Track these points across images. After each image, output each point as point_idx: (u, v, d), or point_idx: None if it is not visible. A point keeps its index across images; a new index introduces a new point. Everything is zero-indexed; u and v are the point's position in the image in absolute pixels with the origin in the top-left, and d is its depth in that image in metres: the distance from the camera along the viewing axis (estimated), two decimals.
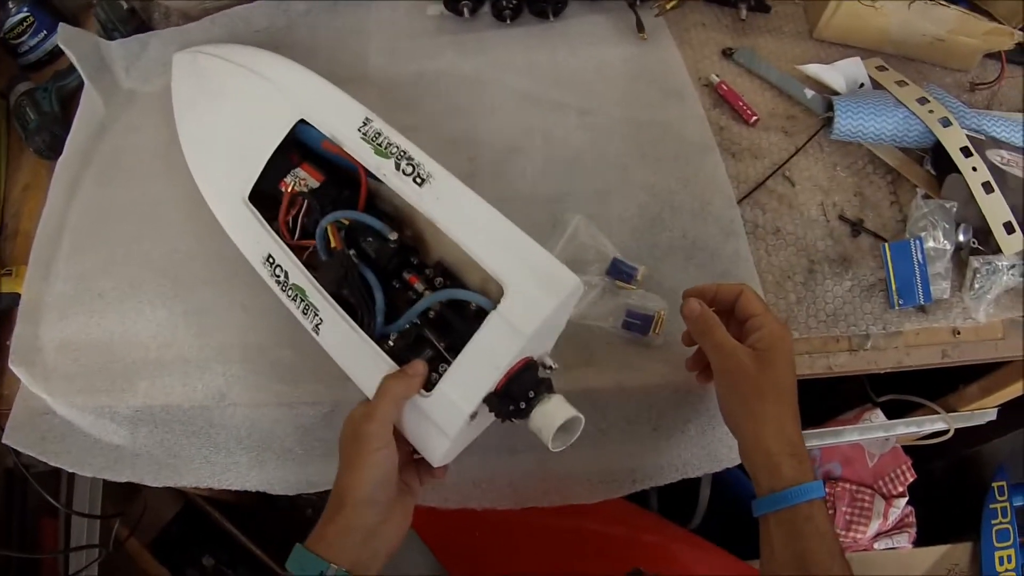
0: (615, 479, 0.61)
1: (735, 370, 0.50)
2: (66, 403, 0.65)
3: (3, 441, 0.65)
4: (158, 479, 0.63)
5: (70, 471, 0.65)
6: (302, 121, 0.60)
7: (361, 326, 0.52)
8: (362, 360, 0.51)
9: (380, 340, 0.52)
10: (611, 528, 0.73)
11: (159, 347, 0.64)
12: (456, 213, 0.51)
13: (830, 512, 0.84)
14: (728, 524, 0.80)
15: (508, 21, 0.74)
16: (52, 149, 0.77)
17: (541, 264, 0.48)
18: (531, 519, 0.72)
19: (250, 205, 0.60)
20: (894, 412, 0.84)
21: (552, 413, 0.47)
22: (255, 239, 0.59)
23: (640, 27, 0.73)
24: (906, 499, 0.83)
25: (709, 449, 0.62)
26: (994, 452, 0.91)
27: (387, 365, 0.50)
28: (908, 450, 0.88)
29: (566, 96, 0.69)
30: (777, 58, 0.74)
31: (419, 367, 0.49)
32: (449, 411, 0.48)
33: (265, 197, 0.61)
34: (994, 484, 0.86)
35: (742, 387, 0.50)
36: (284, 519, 0.98)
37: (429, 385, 0.49)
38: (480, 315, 0.49)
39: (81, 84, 0.77)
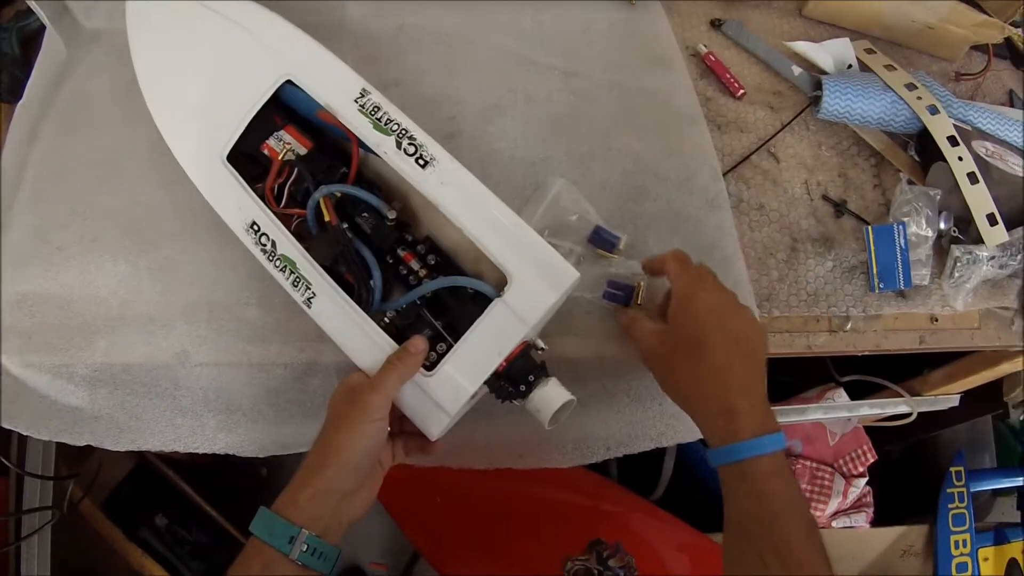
0: (589, 446, 0.59)
1: (647, 349, 0.52)
2: (21, 362, 0.60)
3: None
4: (119, 443, 0.59)
5: (25, 434, 0.61)
6: (288, 82, 0.57)
7: (358, 302, 0.51)
8: (357, 336, 0.51)
9: (375, 316, 0.52)
10: (571, 496, 0.73)
11: (121, 304, 0.60)
12: (461, 199, 0.51)
13: None
14: (690, 497, 0.80)
15: None
16: (12, 92, 0.72)
17: (544, 256, 0.50)
18: (492, 485, 0.71)
19: (229, 166, 0.57)
20: (855, 392, 0.84)
21: (550, 396, 0.49)
22: (237, 204, 0.56)
23: None
24: (866, 479, 0.83)
25: (684, 419, 0.60)
26: (953, 437, 0.93)
27: (384, 342, 0.50)
28: (868, 431, 0.88)
29: (551, 57, 0.66)
30: (765, 33, 0.72)
31: (421, 344, 0.50)
32: (452, 390, 0.49)
33: (242, 158, 0.58)
34: (952, 469, 0.87)
35: (659, 363, 0.51)
36: (238, 477, 0.96)
37: (428, 364, 0.50)
38: (476, 298, 0.51)
39: (43, 25, 0.71)
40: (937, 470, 0.88)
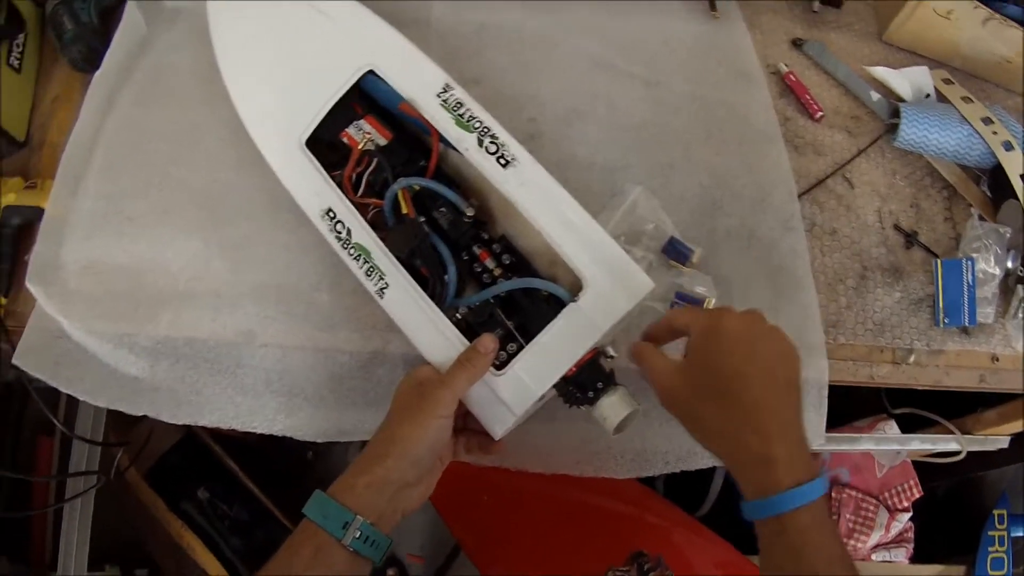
0: (648, 459, 0.59)
1: (666, 389, 0.46)
2: (83, 328, 0.60)
3: (14, 362, 0.61)
4: (177, 416, 0.59)
5: (83, 400, 0.61)
6: (370, 72, 0.57)
7: (431, 296, 0.51)
8: (429, 329, 0.51)
9: (447, 311, 0.51)
10: (617, 505, 0.72)
11: (189, 279, 0.60)
12: (541, 202, 0.51)
13: (834, 517, 0.83)
14: (735, 516, 0.79)
15: None
16: (87, 61, 0.72)
17: (620, 264, 0.49)
18: (539, 488, 0.70)
19: (308, 152, 0.57)
20: (908, 426, 0.83)
21: (617, 405, 0.49)
22: (314, 190, 0.56)
23: (712, 5, 0.69)
24: (909, 514, 0.82)
25: None
26: (999, 479, 0.91)
27: (455, 337, 0.50)
28: (916, 465, 0.86)
29: (633, 65, 0.66)
30: (845, 55, 0.72)
31: (491, 344, 0.49)
32: (520, 392, 0.49)
33: (321, 144, 0.58)
34: (995, 512, 0.86)
35: (680, 405, 0.45)
36: (283, 458, 0.95)
37: (497, 363, 0.50)
38: (550, 301, 0.51)
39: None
40: (980, 511, 0.87)
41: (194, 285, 0.60)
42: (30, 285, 0.61)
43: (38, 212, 0.65)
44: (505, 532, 0.70)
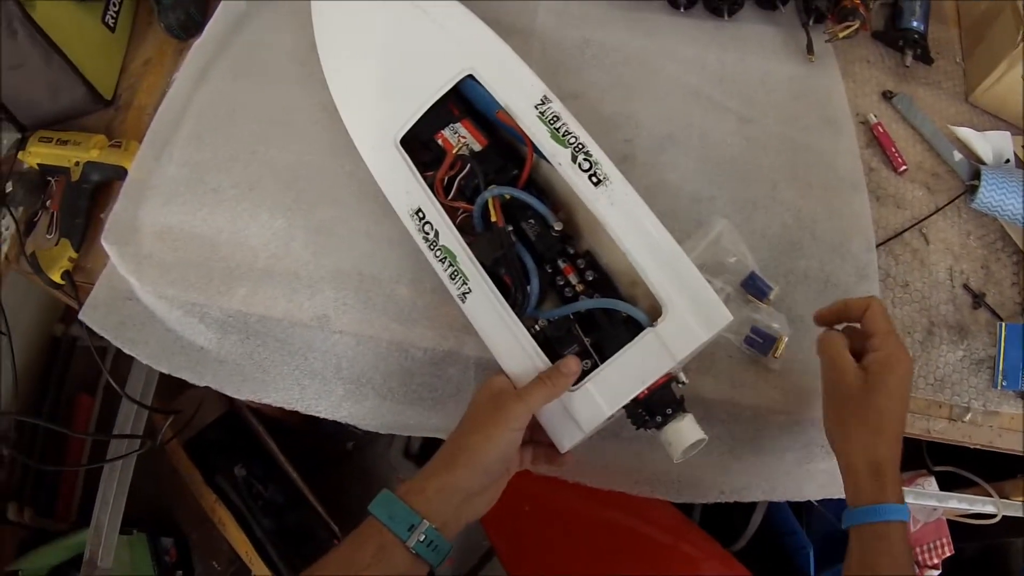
0: (705, 487, 0.59)
1: (842, 389, 0.50)
2: (154, 292, 0.60)
3: (80, 317, 0.61)
4: (240, 391, 0.59)
5: (145, 363, 0.61)
6: (470, 76, 0.57)
7: (512, 306, 0.52)
8: (507, 339, 0.51)
9: (526, 321, 0.52)
10: (654, 531, 0.72)
11: (269, 256, 0.60)
12: (629, 223, 0.51)
13: None
14: (769, 555, 0.79)
15: (682, 9, 0.71)
16: (183, 28, 0.72)
17: (701, 293, 0.49)
18: (581, 505, 0.70)
19: (401, 149, 0.57)
20: (945, 483, 0.82)
21: (684, 432, 0.49)
22: (405, 188, 0.56)
23: (810, 48, 0.69)
24: (939, 572, 0.81)
25: (799, 481, 0.60)
26: None
27: (532, 349, 0.51)
28: (948, 523, 0.86)
29: (729, 100, 0.66)
30: (930, 112, 0.72)
31: (575, 367, 0.50)
32: (591, 409, 0.49)
33: (415, 142, 0.59)
34: None
35: (844, 407, 0.50)
36: (324, 445, 0.95)
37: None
38: (629, 322, 0.51)
39: None
40: (1005, 575, 0.86)
41: (273, 263, 0.60)
42: (105, 243, 0.61)
43: (120, 172, 0.65)
44: (541, 544, 0.70)
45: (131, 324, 0.62)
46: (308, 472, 0.88)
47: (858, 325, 0.53)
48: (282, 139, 0.64)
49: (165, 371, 0.61)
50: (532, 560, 0.71)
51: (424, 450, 0.90)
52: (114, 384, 0.65)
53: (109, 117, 0.71)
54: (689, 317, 0.49)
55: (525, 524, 0.71)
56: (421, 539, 0.44)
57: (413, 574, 0.45)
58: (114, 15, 0.73)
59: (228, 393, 0.60)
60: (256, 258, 0.60)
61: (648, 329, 0.50)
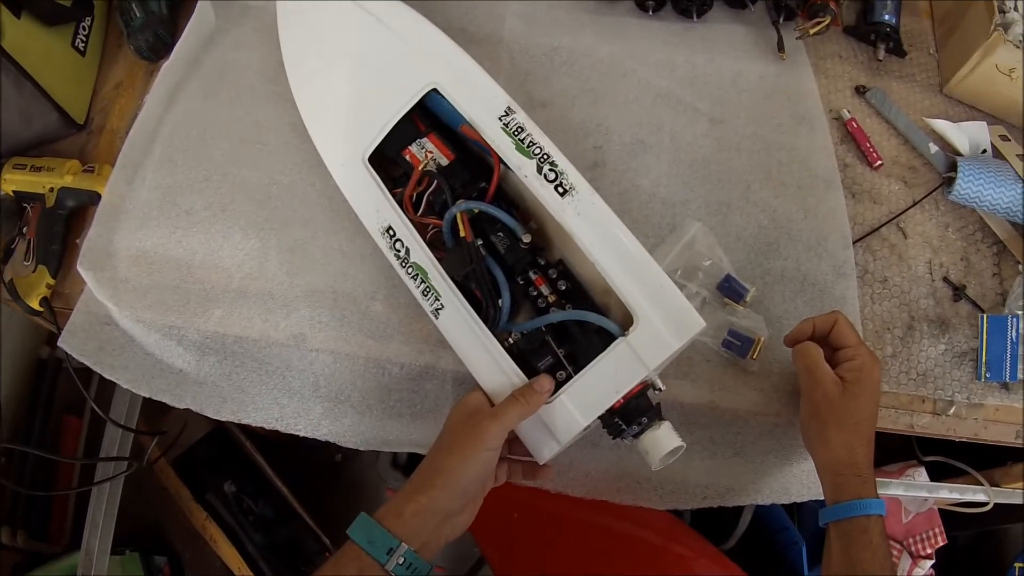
0: (688, 492, 0.59)
1: (820, 398, 0.52)
2: (132, 316, 0.60)
3: (59, 344, 0.61)
4: (220, 412, 0.59)
5: (125, 387, 0.61)
6: (434, 90, 0.56)
7: (484, 320, 0.51)
8: (481, 354, 0.51)
9: (500, 334, 0.52)
10: (644, 533, 0.71)
11: (244, 277, 0.59)
12: (596, 232, 0.51)
13: None
14: (756, 553, 0.78)
15: (650, 12, 0.70)
16: (153, 50, 0.72)
17: (673, 301, 0.49)
18: (570, 511, 0.70)
19: (369, 167, 0.57)
20: (936, 473, 0.82)
21: (661, 440, 0.49)
22: (375, 206, 0.56)
23: (781, 46, 0.68)
24: (932, 562, 0.81)
25: (783, 481, 0.60)
26: (1021, 532, 0.89)
27: (506, 362, 0.50)
28: (941, 513, 0.85)
29: (700, 101, 0.65)
30: (905, 105, 0.71)
31: (547, 385, 0.50)
32: (566, 421, 0.49)
33: (382, 159, 0.58)
34: (1016, 564, 0.84)
35: (823, 414, 0.52)
36: (312, 458, 0.94)
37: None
38: (602, 332, 0.50)
39: None
40: (1001, 562, 0.86)
41: (248, 283, 0.59)
42: (81, 269, 0.61)
43: (94, 196, 0.65)
44: (532, 551, 0.70)
45: (110, 349, 0.61)
46: (297, 486, 0.88)
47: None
48: (253, 159, 0.63)
49: (145, 395, 0.60)
50: (523, 567, 0.70)
51: (412, 460, 0.90)
52: (97, 409, 0.65)
53: (82, 142, 0.70)
54: (661, 325, 0.48)
55: (514, 531, 0.70)
56: (400, 562, 0.44)
57: None
58: (84, 39, 0.72)
59: (208, 415, 0.59)
60: (231, 279, 0.60)
61: (620, 339, 0.49)
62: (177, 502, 0.81)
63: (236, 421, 0.59)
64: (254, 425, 0.58)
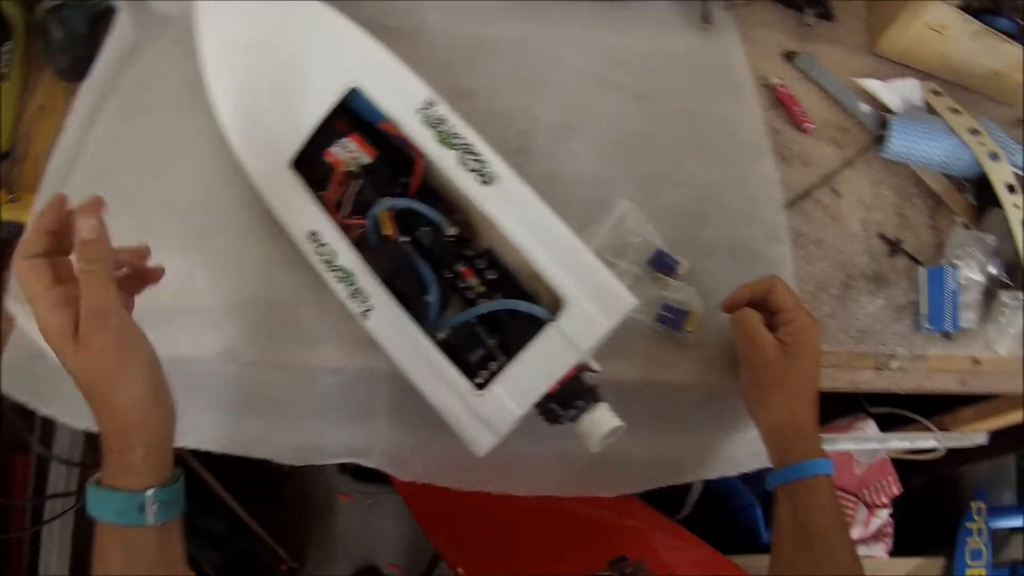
0: (633, 474, 0.57)
1: (761, 363, 0.51)
2: None
3: None
4: None
5: (62, 421, 0.59)
6: (354, 89, 0.54)
7: (414, 317, 0.50)
8: (412, 352, 0.49)
9: (431, 331, 0.50)
10: (596, 511, 0.70)
11: (173, 296, 0.56)
12: (520, 219, 0.49)
13: None
14: (714, 519, 0.78)
15: None
16: (74, 71, 0.68)
17: (602, 281, 0.47)
18: (519, 496, 0.68)
19: (294, 172, 0.54)
20: (885, 423, 0.81)
21: (598, 421, 0.47)
22: (299, 210, 0.53)
23: (706, 17, 0.66)
24: (888, 510, 0.80)
25: (730, 452, 0.58)
26: (976, 473, 0.90)
27: (439, 359, 0.48)
28: (893, 462, 0.85)
29: (626, 79, 0.63)
30: (836, 68, 0.69)
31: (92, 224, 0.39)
32: (501, 412, 0.47)
33: (305, 163, 0.55)
34: (973, 504, 0.84)
35: (764, 379, 0.51)
36: (259, 469, 0.90)
37: (480, 382, 0.48)
38: (533, 318, 0.49)
39: (111, 7, 0.68)
40: (958, 504, 0.86)
41: (176, 302, 0.56)
42: (8, 305, 0.58)
43: (20, 228, 0.62)
44: (485, 541, 0.68)
45: (45, 384, 0.58)
46: (247, 499, 0.84)
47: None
48: (176, 173, 0.60)
49: (82, 428, 0.58)
50: (475, 557, 0.69)
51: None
52: (35, 445, 0.62)
53: (7, 170, 0.67)
54: (591, 306, 0.47)
55: (464, 522, 0.68)
56: (155, 509, 0.38)
57: (172, 538, 0.40)
58: (6, 63, 0.69)
59: None
60: (159, 299, 0.56)
61: (550, 324, 0.47)
62: None
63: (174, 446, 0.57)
64: (189, 447, 0.56)
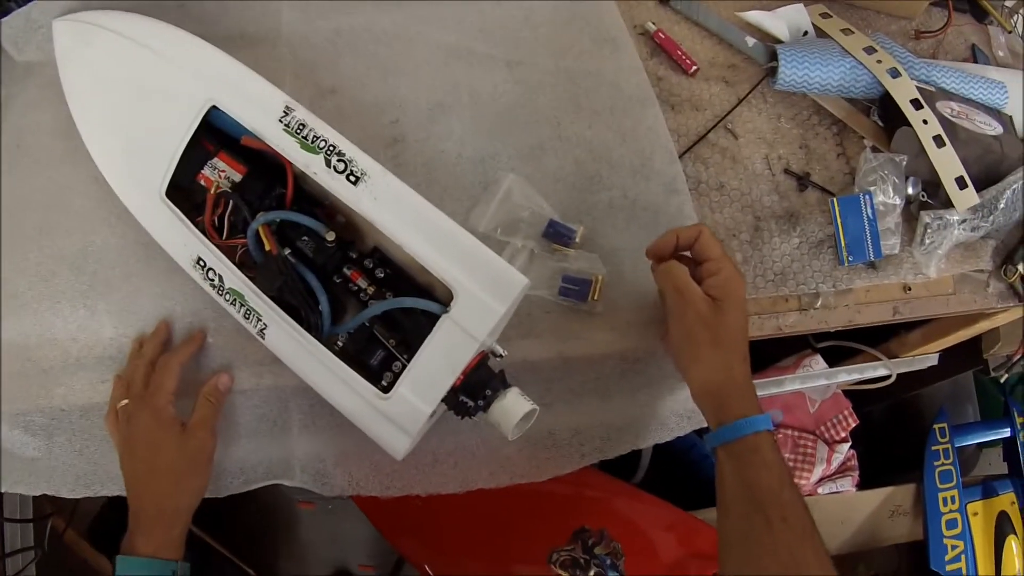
0: (562, 455, 0.54)
1: (692, 318, 0.48)
2: None
3: None
4: (75, 491, 0.54)
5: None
6: (214, 107, 0.51)
7: (308, 329, 0.47)
8: (312, 364, 0.47)
9: (328, 340, 0.48)
10: (552, 486, 0.68)
11: (80, 348, 0.54)
12: (396, 214, 0.46)
13: None
14: (670, 477, 0.76)
15: None
16: None
17: (489, 265, 0.45)
18: None
19: (169, 203, 0.51)
20: (834, 356, 0.78)
21: (510, 408, 0.45)
22: (181, 241, 0.51)
23: None
24: (848, 444, 0.78)
25: (660, 417, 0.55)
26: (935, 395, 0.87)
27: (340, 368, 0.46)
28: (848, 394, 0.83)
29: (493, 48, 0.59)
30: (716, 5, 0.66)
31: (224, 377, 0.52)
32: (409, 412, 0.46)
33: (182, 191, 0.52)
34: (935, 426, 0.82)
35: (697, 335, 0.48)
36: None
37: (384, 385, 0.47)
38: (427, 314, 0.47)
39: None
40: (920, 428, 0.83)
41: (85, 353, 0.54)
42: None
43: None
44: (444, 533, 0.66)
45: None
46: (211, 523, 0.81)
47: (687, 254, 0.50)
48: (64, 224, 0.57)
49: (3, 490, 0.57)
50: (439, 552, 0.67)
51: None
52: None
53: None
54: (482, 292, 0.44)
55: (421, 518, 0.66)
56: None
57: None
58: None
59: (64, 495, 0.55)
60: (68, 353, 0.55)
61: (443, 316, 0.45)
62: (99, 572, 0.77)
63: (93, 495, 0.55)
64: (111, 495, 0.55)
